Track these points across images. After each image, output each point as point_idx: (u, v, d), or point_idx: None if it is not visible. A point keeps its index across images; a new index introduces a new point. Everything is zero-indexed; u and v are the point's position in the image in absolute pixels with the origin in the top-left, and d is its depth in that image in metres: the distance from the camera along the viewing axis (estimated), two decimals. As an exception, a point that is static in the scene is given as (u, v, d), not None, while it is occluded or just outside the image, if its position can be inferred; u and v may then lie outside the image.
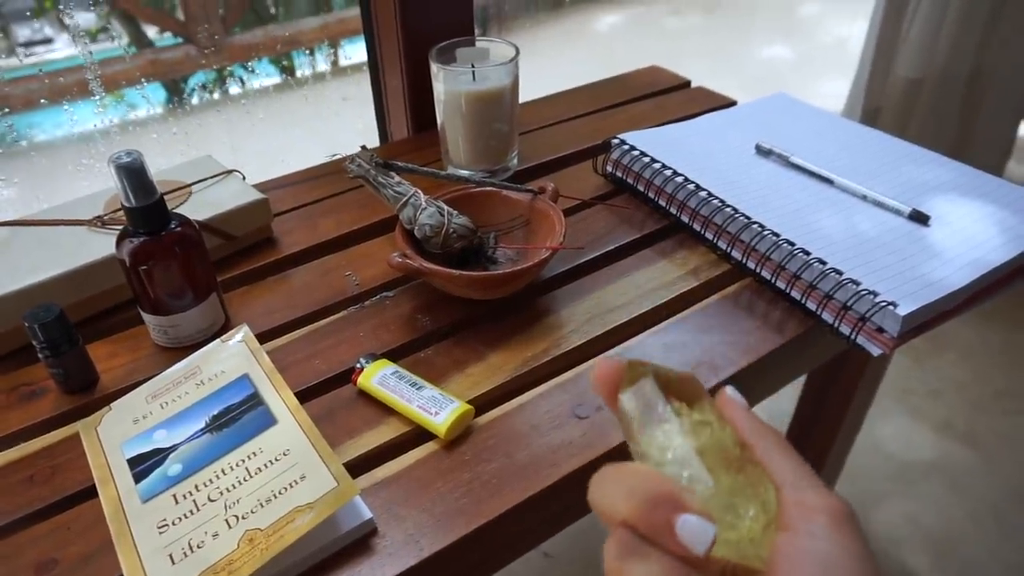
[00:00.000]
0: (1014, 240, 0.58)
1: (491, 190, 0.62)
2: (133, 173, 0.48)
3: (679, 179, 0.66)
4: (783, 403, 1.23)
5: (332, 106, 1.49)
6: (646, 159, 0.69)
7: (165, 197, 0.63)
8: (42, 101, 1.04)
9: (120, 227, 0.53)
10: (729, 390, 0.29)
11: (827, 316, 0.55)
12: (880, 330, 0.53)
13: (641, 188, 0.69)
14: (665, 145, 0.71)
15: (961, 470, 1.14)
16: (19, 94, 1.26)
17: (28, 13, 1.18)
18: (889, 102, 1.45)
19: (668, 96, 0.91)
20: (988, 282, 0.56)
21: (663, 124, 0.77)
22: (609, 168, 0.73)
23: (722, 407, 0.28)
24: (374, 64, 0.85)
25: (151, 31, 1.66)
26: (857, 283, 0.54)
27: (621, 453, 0.45)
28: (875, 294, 0.53)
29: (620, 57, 1.11)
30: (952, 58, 1.43)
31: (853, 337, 0.53)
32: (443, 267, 0.54)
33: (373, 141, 0.92)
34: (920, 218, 0.61)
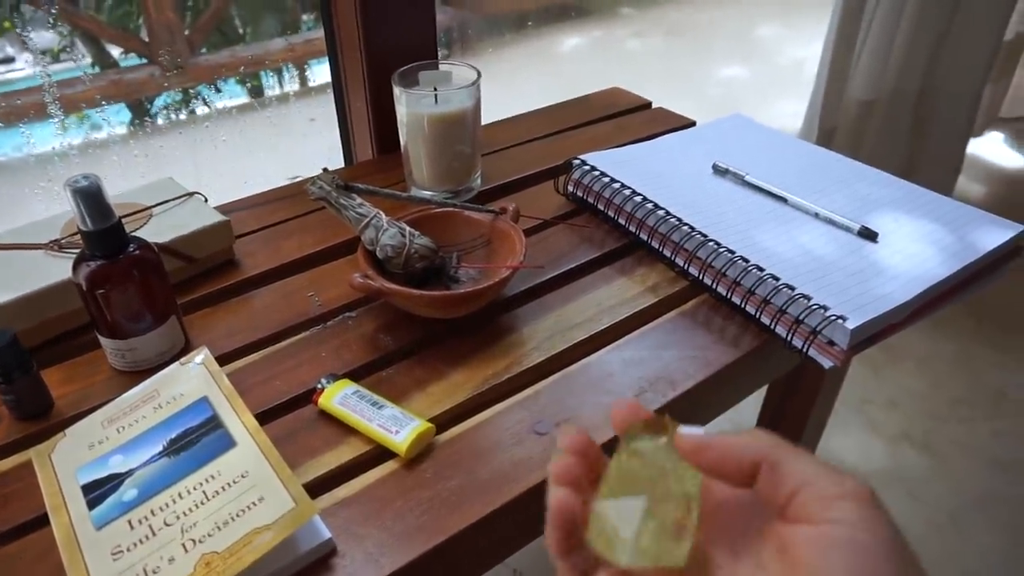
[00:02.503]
0: (956, 255, 0.60)
1: (452, 211, 0.63)
2: (90, 196, 0.48)
3: (638, 198, 0.67)
4: (745, 415, 1.25)
5: (299, 127, 1.49)
6: (606, 179, 0.70)
7: (124, 220, 0.62)
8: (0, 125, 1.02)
9: (77, 251, 0.53)
10: (683, 432, 0.28)
11: (780, 330, 0.56)
12: (831, 343, 0.54)
13: (601, 207, 0.71)
14: (625, 165, 0.73)
15: (919, 478, 1.16)
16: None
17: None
18: (843, 123, 1.49)
19: (629, 117, 0.93)
20: (933, 295, 0.58)
21: (624, 144, 0.79)
22: (570, 188, 0.74)
23: (688, 454, 0.27)
24: (338, 86, 0.85)
25: (116, 51, 1.65)
26: (808, 298, 0.55)
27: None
28: (825, 308, 0.54)
29: (582, 79, 1.13)
30: (902, 80, 1.48)
31: (805, 350, 0.55)
32: (404, 287, 0.55)
33: (338, 162, 0.92)
34: (869, 235, 0.63)
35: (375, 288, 0.54)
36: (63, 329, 0.58)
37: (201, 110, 1.68)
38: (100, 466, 0.46)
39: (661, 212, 0.65)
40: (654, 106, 0.96)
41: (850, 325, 0.52)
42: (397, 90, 0.68)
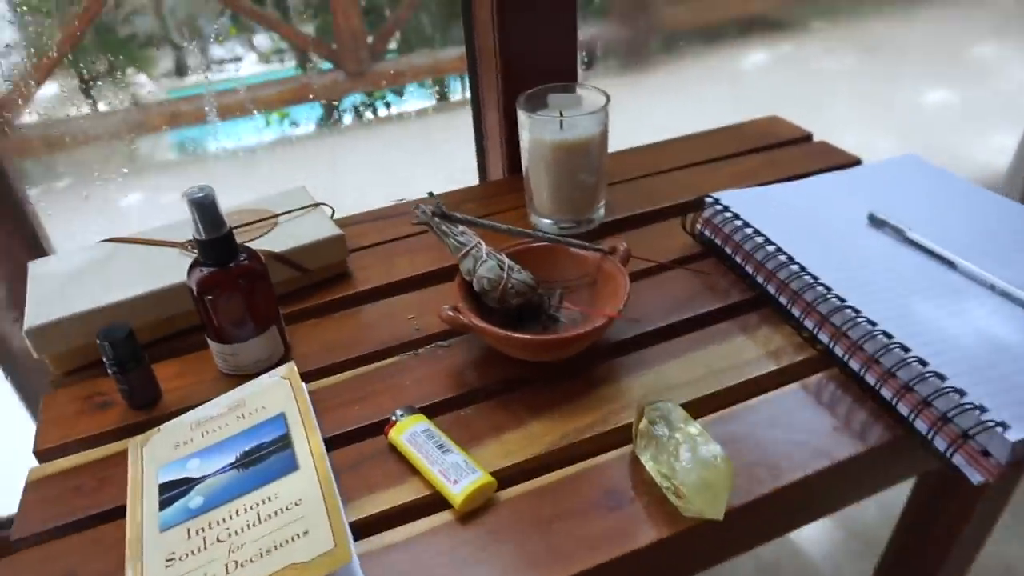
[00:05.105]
0: None
1: (558, 246, 0.59)
2: (204, 208, 0.50)
3: (771, 248, 0.60)
4: (870, 513, 1.08)
5: (461, 136, 1.52)
6: (739, 222, 0.64)
7: (251, 226, 0.66)
8: (213, 119, 1.14)
9: (198, 256, 0.56)
10: None
11: (921, 425, 0.47)
12: (985, 453, 0.44)
13: (730, 251, 0.64)
14: (765, 207, 0.65)
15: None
16: (189, 111, 1.42)
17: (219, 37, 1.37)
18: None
19: (784, 150, 0.84)
20: None
21: (772, 182, 0.71)
22: (699, 227, 0.68)
23: None
24: (476, 101, 0.85)
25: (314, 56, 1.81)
26: (962, 393, 0.46)
27: (646, 552, 0.41)
28: (983, 410, 0.44)
29: (761, 100, 1.04)
30: None
31: (949, 456, 0.45)
32: (493, 326, 0.52)
33: (473, 180, 0.92)
34: (1060, 320, 0.51)
35: (461, 323, 0.52)
36: (183, 326, 0.61)
37: (386, 112, 1.80)
38: (179, 467, 0.48)
39: (795, 266, 0.58)
40: (837, 134, 0.86)
41: (1012, 436, 0.42)
42: (521, 114, 0.66)
